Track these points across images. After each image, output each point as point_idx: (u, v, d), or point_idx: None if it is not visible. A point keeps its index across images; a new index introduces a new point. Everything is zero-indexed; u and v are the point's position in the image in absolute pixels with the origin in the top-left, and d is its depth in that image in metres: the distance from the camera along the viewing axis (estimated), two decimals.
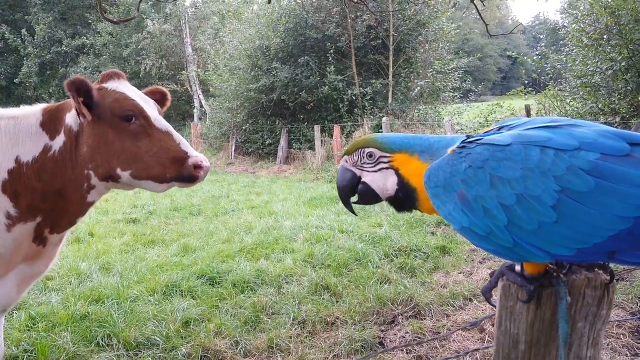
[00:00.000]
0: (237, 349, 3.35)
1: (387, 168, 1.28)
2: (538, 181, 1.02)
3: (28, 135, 2.11)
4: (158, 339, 3.38)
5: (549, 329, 1.12)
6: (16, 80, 29.89)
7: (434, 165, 1.19)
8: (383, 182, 1.29)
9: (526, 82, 17.78)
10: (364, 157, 1.31)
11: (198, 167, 2.09)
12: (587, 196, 0.99)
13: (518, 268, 1.20)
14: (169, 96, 2.44)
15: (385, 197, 1.31)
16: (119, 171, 2.10)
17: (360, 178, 1.34)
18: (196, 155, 2.10)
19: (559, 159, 1.03)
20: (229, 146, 18.48)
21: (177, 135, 2.15)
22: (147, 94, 2.30)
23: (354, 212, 1.46)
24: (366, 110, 15.42)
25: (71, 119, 2.12)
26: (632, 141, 1.04)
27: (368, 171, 1.31)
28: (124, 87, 2.18)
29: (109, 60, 27.28)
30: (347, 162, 1.36)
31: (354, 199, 1.39)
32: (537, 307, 1.14)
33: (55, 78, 29.41)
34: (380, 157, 1.29)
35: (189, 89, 25.45)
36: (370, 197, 1.34)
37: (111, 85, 2.17)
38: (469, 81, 18.95)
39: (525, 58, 13.74)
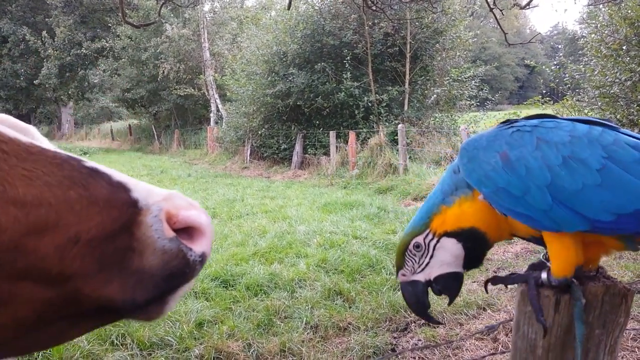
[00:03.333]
0: (249, 351, 3.36)
1: (437, 241, 1.21)
2: (585, 146, 1.06)
3: None
4: (171, 339, 3.41)
5: (566, 334, 1.12)
6: (36, 82, 30.40)
7: (477, 135, 1.20)
8: (446, 257, 1.21)
9: (544, 91, 17.66)
10: (414, 255, 1.24)
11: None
12: (631, 165, 1.03)
13: (544, 275, 1.15)
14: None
15: (461, 265, 1.23)
16: None
17: (429, 282, 1.24)
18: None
19: (606, 133, 1.08)
20: (244, 150, 18.58)
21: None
22: None
23: (437, 321, 1.43)
24: (382, 116, 15.42)
25: None
26: None
27: (427, 264, 1.23)
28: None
29: (127, 63, 27.63)
30: (404, 275, 1.26)
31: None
32: (555, 312, 1.14)
33: (75, 80, 29.88)
34: (424, 238, 1.23)
35: (206, 92, 25.65)
36: (453, 282, 1.24)
37: None
38: (485, 89, 18.88)
39: (544, 67, 13.65)
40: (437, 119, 16.35)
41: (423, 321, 3.85)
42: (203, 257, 0.83)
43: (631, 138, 1.09)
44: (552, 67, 13.26)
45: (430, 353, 3.36)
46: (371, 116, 15.66)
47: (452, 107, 17.40)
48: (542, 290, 1.15)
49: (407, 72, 16.28)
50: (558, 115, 1.22)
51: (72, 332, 0.84)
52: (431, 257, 1.22)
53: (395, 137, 12.96)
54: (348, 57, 15.49)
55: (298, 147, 16.16)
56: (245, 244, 6.15)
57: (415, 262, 1.23)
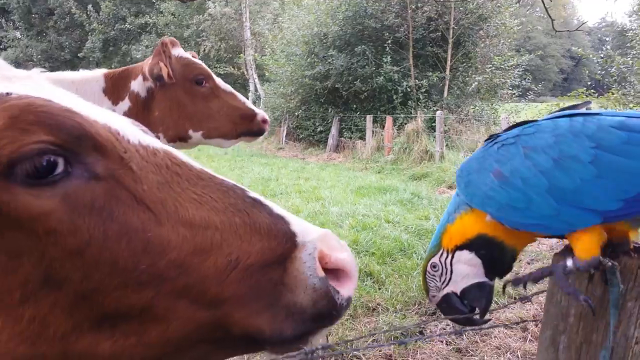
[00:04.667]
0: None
1: (452, 258, 1.23)
2: (571, 142, 1.04)
3: (90, 101, 2.23)
4: None
5: (599, 305, 1.13)
6: (80, 54, 31.09)
7: (466, 160, 1.22)
8: (465, 269, 1.22)
9: (589, 83, 17.13)
10: (434, 275, 1.25)
11: (264, 121, 2.27)
12: (621, 147, 1.00)
13: (569, 263, 1.12)
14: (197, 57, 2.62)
15: (483, 274, 1.22)
16: (190, 132, 2.25)
17: (459, 294, 1.24)
18: (261, 111, 2.28)
19: (587, 122, 1.05)
20: (280, 131, 18.69)
21: (240, 96, 2.30)
22: None
23: (485, 321, 1.30)
24: (420, 102, 15.25)
25: (137, 85, 2.22)
26: None
27: (451, 280, 1.23)
28: (186, 54, 2.31)
29: None
30: (434, 296, 1.27)
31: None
32: (589, 282, 1.14)
33: (118, 54, 30.43)
34: (439, 257, 1.24)
35: (245, 72, 25.82)
36: (479, 292, 1.22)
37: (175, 52, 2.28)
38: (528, 79, 18.43)
39: (591, 56, 13.24)
40: (477, 108, 16.08)
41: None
42: (349, 301, 0.84)
43: (613, 118, 1.05)
44: (600, 58, 12.86)
45: (458, 338, 3.37)
46: (409, 102, 15.51)
47: (493, 95, 17.07)
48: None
49: (449, 58, 16.03)
50: (537, 118, 1.18)
51: (212, 357, 0.87)
52: (451, 272, 1.23)
53: (433, 124, 12.82)
54: (389, 41, 15.33)
55: (334, 130, 16.15)
56: None
57: (437, 280, 1.25)
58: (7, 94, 0.77)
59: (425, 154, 11.89)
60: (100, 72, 2.30)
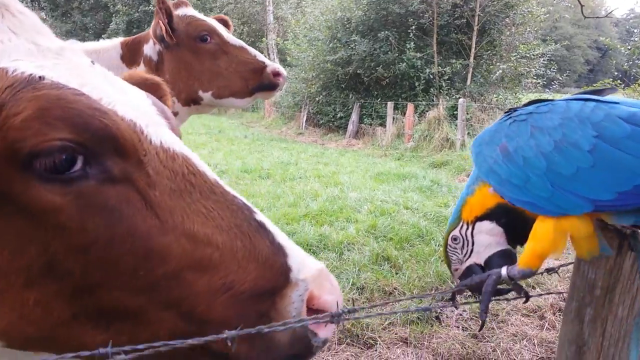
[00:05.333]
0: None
1: (472, 229, 1.24)
2: (575, 128, 1.05)
3: (110, 69, 2.24)
4: None
5: (627, 278, 1.12)
6: (104, 36, 31.21)
7: (483, 131, 1.23)
8: (487, 239, 1.23)
9: (615, 73, 16.78)
10: (455, 249, 1.27)
11: (277, 74, 2.17)
12: (622, 141, 1.00)
13: (504, 272, 1.15)
14: (231, 22, 2.50)
15: (505, 242, 1.23)
16: (200, 93, 2.20)
17: (481, 265, 1.24)
18: (273, 63, 2.19)
19: (598, 108, 1.05)
20: (300, 116, 18.67)
21: (251, 49, 2.23)
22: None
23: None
24: (442, 90, 15.08)
25: (149, 49, 2.22)
26: None
27: (472, 251, 1.24)
28: (192, 12, 2.27)
29: None
30: (456, 269, 1.28)
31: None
32: (617, 254, 1.13)
33: None
34: (460, 230, 1.26)
35: (267, 57, 25.76)
36: (504, 260, 1.21)
37: (180, 12, 2.25)
38: (553, 69, 18.09)
39: (618, 46, 12.95)
40: (501, 96, 15.85)
41: (469, 293, 3.84)
42: (324, 343, 0.86)
43: (628, 108, 1.03)
44: (627, 49, 12.57)
45: (475, 324, 3.36)
46: (431, 89, 15.35)
47: (517, 84, 16.79)
48: (606, 232, 1.13)
49: (473, 45, 15.79)
50: (555, 98, 1.17)
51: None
52: (472, 244, 1.24)
53: (455, 112, 12.68)
54: (413, 27, 15.15)
55: (354, 116, 16.08)
56: (297, 205, 6.25)
57: (459, 253, 1.26)
58: (40, 77, 0.77)
59: (446, 141, 11.79)
60: (117, 41, 2.31)
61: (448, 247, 1.28)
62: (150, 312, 0.79)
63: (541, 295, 1.73)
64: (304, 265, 0.85)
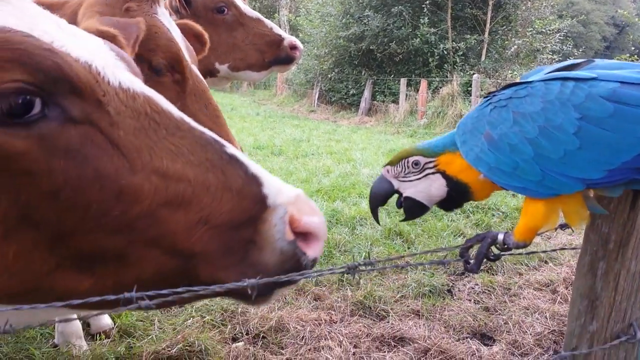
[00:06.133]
0: (317, 270, 3.50)
1: (433, 173, 1.27)
2: (558, 111, 1.05)
3: None
4: None
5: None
6: None
7: (465, 117, 1.23)
8: (428, 189, 1.27)
9: (632, 48, 16.43)
10: (408, 167, 1.29)
11: (293, 47, 2.15)
12: (606, 120, 1.00)
13: (501, 237, 1.22)
14: None
15: (433, 202, 1.29)
16: (217, 65, 2.19)
17: (398, 191, 1.31)
18: (290, 36, 2.16)
19: (578, 88, 1.04)
20: (312, 94, 18.59)
21: (267, 21, 2.20)
22: None
23: (378, 222, 1.46)
24: (457, 66, 14.91)
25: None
26: None
27: (411, 180, 1.28)
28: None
29: None
30: (388, 172, 1.33)
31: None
32: (631, 209, 1.14)
33: None
34: (426, 163, 1.28)
35: None
36: (417, 209, 1.31)
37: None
38: (569, 44, 17.78)
39: (637, 19, 12.67)
40: (515, 72, 15.63)
41: (482, 267, 3.84)
42: (314, 262, 0.87)
43: (607, 84, 1.03)
44: None
45: (487, 297, 3.38)
46: (445, 65, 15.17)
47: (533, 60, 16.54)
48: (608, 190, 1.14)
49: (488, 20, 15.53)
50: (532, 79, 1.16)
51: (184, 300, 0.89)
52: (418, 180, 1.28)
53: (469, 88, 12.55)
54: (427, 1, 14.92)
55: (367, 93, 15.97)
56: (310, 181, 6.26)
57: (404, 173, 1.29)
58: None
59: (460, 118, 11.64)
60: None
61: (406, 161, 1.29)
62: (132, 252, 0.79)
63: (555, 250, 1.75)
64: (280, 191, 0.86)
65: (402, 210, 1.35)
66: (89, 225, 0.77)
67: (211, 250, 0.81)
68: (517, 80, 1.20)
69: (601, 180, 1.04)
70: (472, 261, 1.29)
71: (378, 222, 1.46)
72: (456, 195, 1.27)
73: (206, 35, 1.93)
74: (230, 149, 0.87)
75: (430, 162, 1.27)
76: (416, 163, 1.28)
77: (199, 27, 1.93)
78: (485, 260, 1.27)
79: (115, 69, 0.86)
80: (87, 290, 0.80)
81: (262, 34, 2.18)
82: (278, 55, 2.20)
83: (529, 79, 1.18)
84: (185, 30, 1.85)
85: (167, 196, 0.79)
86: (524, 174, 1.09)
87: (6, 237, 0.75)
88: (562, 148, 1.04)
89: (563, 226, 1.36)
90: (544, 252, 1.71)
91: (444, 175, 1.26)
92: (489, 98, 1.20)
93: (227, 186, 0.82)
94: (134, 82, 0.87)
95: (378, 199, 1.35)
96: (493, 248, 1.26)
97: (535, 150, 1.06)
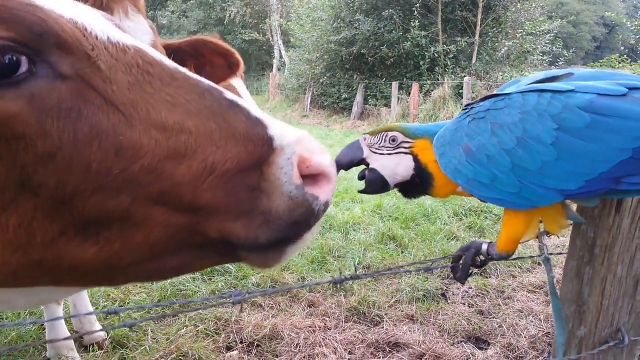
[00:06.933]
0: (303, 283, 3.50)
1: (405, 153, 1.28)
2: (536, 122, 1.04)
3: None
4: (231, 267, 3.58)
5: (626, 237, 1.13)
6: None
7: (443, 129, 1.23)
8: (395, 166, 1.28)
9: (622, 48, 16.57)
10: (385, 141, 1.30)
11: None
12: (583, 131, 1.01)
13: (485, 247, 1.25)
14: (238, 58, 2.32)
15: (395, 182, 1.30)
16: None
17: (365, 161, 1.32)
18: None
19: (555, 100, 1.05)
20: (304, 99, 18.60)
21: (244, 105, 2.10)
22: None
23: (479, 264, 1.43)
24: (448, 68, 14.97)
25: None
26: (632, 87, 1.04)
27: (382, 154, 1.29)
28: None
29: (195, 5, 27.85)
30: (364, 140, 1.34)
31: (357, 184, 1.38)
32: (617, 213, 1.14)
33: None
34: (402, 141, 1.29)
35: (270, 38, 25.60)
36: (378, 184, 1.32)
37: None
38: (560, 45, 17.89)
39: (625, 20, 12.78)
40: (506, 74, 15.71)
41: (476, 271, 3.85)
42: (327, 205, 0.82)
43: (583, 95, 1.03)
44: (635, 23, 12.40)
45: (481, 301, 3.38)
46: (437, 68, 15.23)
47: (523, 62, 16.63)
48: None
49: (479, 22, 15.61)
50: (511, 91, 1.16)
51: (194, 264, 0.86)
52: (390, 155, 1.29)
53: (461, 91, 12.61)
54: (417, 5, 14.99)
55: (359, 97, 16.01)
56: None
57: (379, 145, 1.31)
58: None
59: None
60: None
61: (385, 134, 1.30)
62: (137, 211, 0.76)
63: (540, 256, 1.75)
64: (286, 132, 0.81)
65: (363, 183, 1.37)
66: (90, 186, 0.73)
67: (218, 200, 0.77)
68: (495, 92, 1.20)
69: (579, 191, 1.04)
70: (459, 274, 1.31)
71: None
72: (419, 182, 1.28)
73: (237, 55, 1.71)
74: (230, 94, 0.84)
75: (407, 142, 1.29)
76: (394, 139, 1.29)
77: (225, 46, 1.71)
78: (474, 268, 1.29)
79: (102, 24, 0.83)
80: (94, 259, 0.77)
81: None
82: None
83: (507, 91, 1.18)
84: (208, 48, 1.67)
85: (169, 148, 0.76)
86: (502, 186, 1.09)
87: (5, 208, 0.73)
88: (540, 159, 1.03)
89: (549, 233, 1.37)
90: (531, 257, 1.72)
91: (415, 159, 1.27)
92: (467, 110, 1.20)
93: (230, 132, 0.79)
94: (124, 37, 0.84)
95: (343, 162, 1.36)
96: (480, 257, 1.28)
97: (513, 162, 1.06)
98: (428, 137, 1.27)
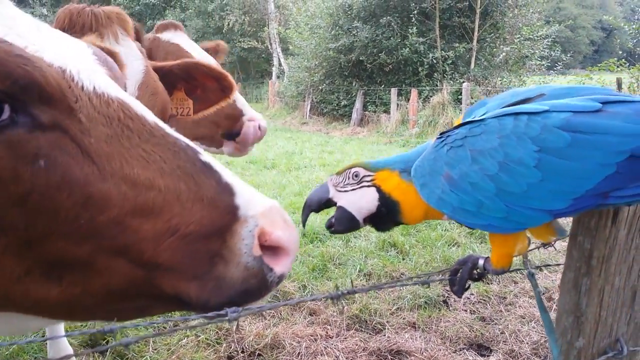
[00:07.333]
0: (304, 291, 3.49)
1: (368, 186, 1.29)
2: (516, 145, 1.04)
3: None
4: None
5: (622, 247, 1.13)
6: None
7: (420, 158, 1.22)
8: (359, 200, 1.29)
9: (620, 52, 16.57)
10: (349, 177, 1.31)
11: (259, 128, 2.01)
12: (565, 150, 1.00)
13: (481, 262, 1.25)
14: (224, 47, 2.31)
15: (362, 216, 1.30)
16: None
17: (332, 200, 1.33)
18: (251, 111, 2.01)
19: (532, 121, 1.04)
20: (304, 105, 18.63)
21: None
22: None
23: (304, 225, 1.46)
24: (446, 74, 14.99)
25: None
26: (605, 101, 1.04)
27: (347, 191, 1.30)
28: (180, 38, 2.13)
29: (194, 14, 27.96)
30: (331, 180, 1.35)
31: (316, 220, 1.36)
32: (613, 224, 1.14)
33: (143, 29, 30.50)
34: (364, 175, 1.29)
35: (269, 46, 25.68)
36: (346, 221, 1.31)
37: (165, 35, 2.13)
38: (557, 49, 17.94)
39: (622, 24, 12.82)
40: (505, 79, 15.75)
41: (477, 277, 3.84)
42: (281, 278, 0.85)
43: (559, 114, 1.03)
44: (632, 27, 12.44)
45: (483, 307, 3.37)
46: (435, 74, 15.26)
47: (521, 67, 16.68)
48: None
49: (476, 28, 15.65)
50: (484, 117, 1.14)
51: (148, 310, 0.90)
52: (354, 190, 1.29)
53: (459, 97, 12.63)
54: (415, 11, 15.04)
55: (358, 104, 16.03)
56: (303, 194, 6.26)
57: (344, 183, 1.31)
58: None
59: (451, 126, 11.74)
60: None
61: (349, 171, 1.31)
62: (99, 260, 0.79)
63: (538, 267, 1.76)
64: (252, 202, 0.84)
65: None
66: (57, 231, 0.76)
67: (177, 260, 0.79)
68: (470, 119, 1.19)
69: (567, 210, 1.03)
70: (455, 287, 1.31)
71: (304, 226, 1.46)
72: (386, 212, 1.28)
73: (230, 78, 1.70)
74: (205, 156, 0.86)
75: (369, 175, 1.29)
76: (356, 174, 1.30)
77: (217, 69, 1.69)
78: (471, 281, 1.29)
79: (91, 73, 0.85)
80: (56, 298, 0.80)
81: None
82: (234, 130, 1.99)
83: (475, 114, 1.19)
84: (200, 72, 1.66)
85: (136, 204, 0.78)
86: (488, 212, 1.08)
87: None
88: (525, 182, 1.03)
89: (545, 244, 1.37)
90: (517, 269, 1.70)
91: (378, 189, 1.27)
92: (442, 139, 1.19)
93: (198, 195, 0.81)
94: (110, 87, 0.86)
95: (312, 204, 1.36)
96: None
97: (497, 186, 1.05)
98: (388, 168, 1.29)
